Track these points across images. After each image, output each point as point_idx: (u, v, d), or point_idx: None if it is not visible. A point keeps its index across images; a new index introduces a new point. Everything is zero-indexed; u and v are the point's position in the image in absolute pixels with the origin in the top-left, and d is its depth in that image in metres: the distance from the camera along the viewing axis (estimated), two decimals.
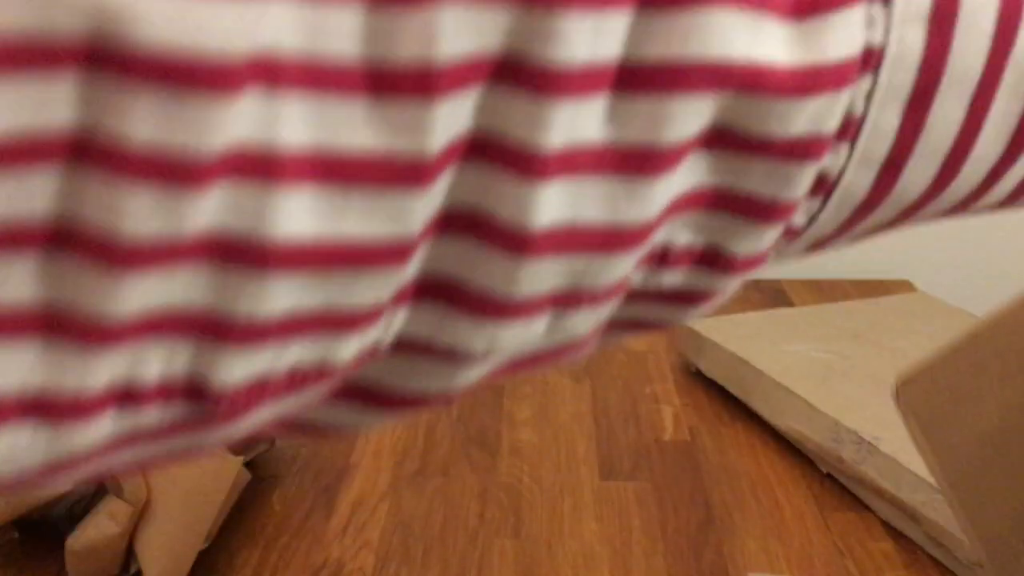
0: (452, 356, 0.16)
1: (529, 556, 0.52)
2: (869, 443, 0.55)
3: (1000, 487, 0.28)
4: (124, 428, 0.14)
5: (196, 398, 0.14)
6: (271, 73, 0.13)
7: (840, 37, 0.16)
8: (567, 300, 0.16)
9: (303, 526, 0.54)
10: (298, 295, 0.14)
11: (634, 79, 0.15)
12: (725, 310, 0.82)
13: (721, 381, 0.67)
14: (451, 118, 0.14)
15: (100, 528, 0.49)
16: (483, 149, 0.15)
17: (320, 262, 0.14)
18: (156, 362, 0.14)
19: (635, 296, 0.18)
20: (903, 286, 0.87)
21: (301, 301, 0.14)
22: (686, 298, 0.18)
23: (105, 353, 0.13)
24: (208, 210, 0.13)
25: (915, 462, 0.53)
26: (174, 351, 0.14)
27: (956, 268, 0.93)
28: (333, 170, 0.13)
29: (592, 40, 0.14)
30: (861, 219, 0.19)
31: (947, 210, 0.20)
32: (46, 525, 0.51)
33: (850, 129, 0.17)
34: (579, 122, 0.15)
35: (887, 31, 0.16)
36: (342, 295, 0.14)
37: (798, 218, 0.18)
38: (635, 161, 0.15)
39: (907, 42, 0.16)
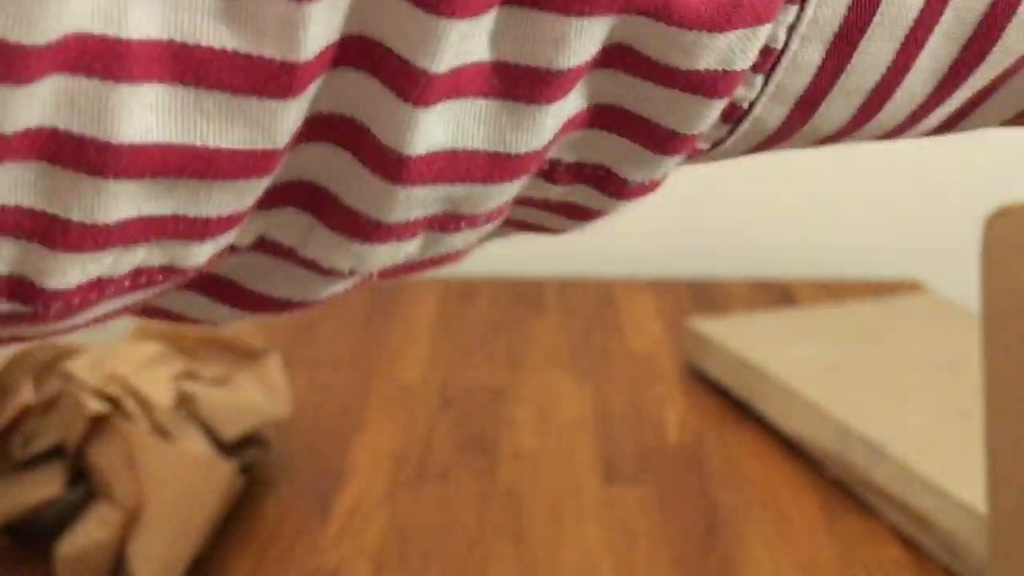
0: (316, 268, 0.15)
1: (530, 563, 0.51)
2: (878, 447, 0.54)
3: None
4: None
5: (24, 299, 0.13)
6: None
7: None
8: (444, 224, 0.15)
9: (298, 533, 0.53)
10: (142, 202, 0.13)
11: None
12: (730, 311, 0.81)
13: (726, 383, 0.66)
14: (327, 21, 0.12)
15: (90, 534, 0.48)
16: (367, 58, 0.13)
17: (168, 170, 0.13)
18: None
19: (521, 202, 0.17)
20: (912, 287, 0.86)
21: (145, 208, 0.13)
22: (575, 212, 0.17)
23: None
24: (39, 106, 0.11)
25: (925, 467, 0.52)
26: (1, 251, 0.13)
27: (966, 269, 0.92)
28: (189, 69, 0.12)
29: None
30: (769, 148, 0.18)
31: (866, 140, 0.19)
32: (35, 531, 0.50)
33: (767, 62, 0.15)
34: (469, 41, 0.13)
35: None
36: (194, 204, 0.13)
37: (699, 145, 0.16)
38: (525, 87, 0.14)
39: None
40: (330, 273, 0.15)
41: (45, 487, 0.50)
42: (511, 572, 0.50)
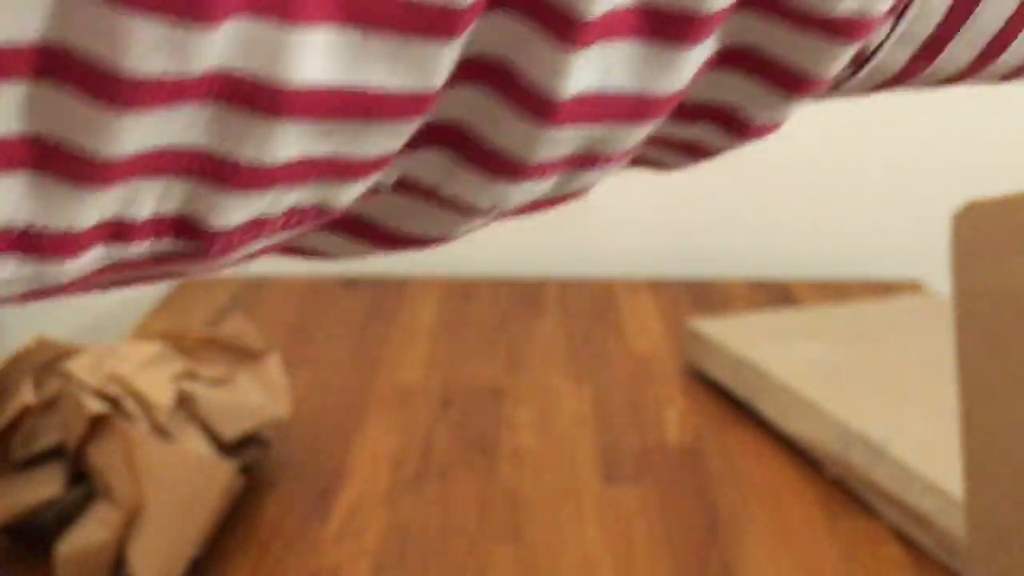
0: (456, 206, 0.16)
1: (529, 563, 0.51)
2: (878, 447, 0.54)
3: (1012, 367, 0.27)
4: (111, 260, 0.14)
5: (189, 236, 0.14)
6: None
7: None
8: (582, 163, 0.16)
9: (298, 532, 0.53)
10: (306, 143, 0.13)
11: None
12: (730, 311, 0.81)
13: (726, 383, 0.66)
14: None
15: (91, 534, 0.48)
16: (522, 1, 0.14)
17: (333, 111, 0.13)
18: (151, 201, 0.13)
19: (646, 140, 0.17)
20: (912, 287, 0.86)
21: (308, 149, 0.13)
22: (695, 150, 0.18)
23: (97, 192, 0.12)
24: (219, 48, 0.12)
25: (925, 467, 0.52)
26: (171, 191, 0.13)
27: None
28: (357, 12, 0.13)
29: None
30: (888, 88, 0.18)
31: (982, 82, 0.19)
32: (35, 531, 0.50)
33: (897, 6, 0.16)
34: None
35: None
36: (351, 145, 0.14)
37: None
38: (673, 29, 0.15)
39: None
40: (470, 211, 0.16)
41: (45, 487, 0.50)
42: (511, 572, 0.50)
